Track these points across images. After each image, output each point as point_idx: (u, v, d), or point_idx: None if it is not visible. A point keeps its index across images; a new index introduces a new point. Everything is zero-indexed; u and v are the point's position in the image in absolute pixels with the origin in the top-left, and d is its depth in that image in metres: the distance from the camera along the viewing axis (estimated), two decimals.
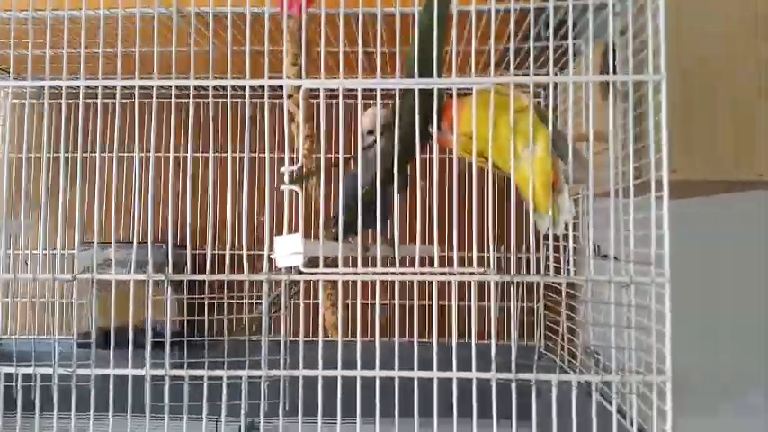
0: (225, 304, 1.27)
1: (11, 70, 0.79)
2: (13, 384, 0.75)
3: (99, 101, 0.73)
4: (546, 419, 0.72)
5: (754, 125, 0.80)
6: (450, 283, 0.69)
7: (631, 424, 0.74)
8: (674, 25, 0.73)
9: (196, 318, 1.27)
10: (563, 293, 1.07)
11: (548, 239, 1.17)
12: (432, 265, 0.67)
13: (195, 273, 0.71)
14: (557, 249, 1.15)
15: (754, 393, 0.84)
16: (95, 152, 1.19)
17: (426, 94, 0.69)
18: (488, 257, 0.79)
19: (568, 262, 0.99)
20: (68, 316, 1.39)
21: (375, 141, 0.75)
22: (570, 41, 0.70)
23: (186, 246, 0.71)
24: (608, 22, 0.75)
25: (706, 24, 0.81)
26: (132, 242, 0.73)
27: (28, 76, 0.80)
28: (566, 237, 0.77)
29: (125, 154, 1.16)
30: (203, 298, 1.29)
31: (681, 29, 0.78)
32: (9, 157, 1.40)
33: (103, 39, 0.72)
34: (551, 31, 0.69)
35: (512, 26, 0.71)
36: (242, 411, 0.68)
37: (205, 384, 0.68)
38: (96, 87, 0.73)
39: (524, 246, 0.86)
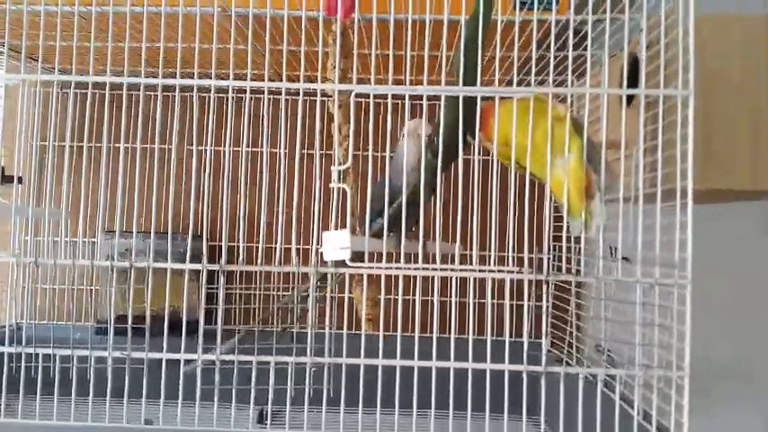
0: (252, 295, 1.30)
1: (39, 61, 0.81)
2: (50, 365, 0.78)
3: (124, 92, 0.74)
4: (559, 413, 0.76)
5: None
6: (484, 280, 0.73)
7: (645, 418, 0.79)
8: (695, 37, 0.77)
9: (229, 306, 1.31)
10: (572, 293, 1.12)
11: (560, 241, 1.22)
12: (471, 263, 0.71)
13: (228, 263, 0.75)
14: (570, 251, 1.19)
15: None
16: (128, 143, 1.21)
17: (468, 103, 0.73)
18: (515, 257, 0.83)
19: (577, 262, 1.04)
20: (91, 303, 1.42)
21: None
22: (606, 54, 0.74)
23: (202, 236, 0.73)
24: (636, 36, 0.79)
25: (720, 39, 0.85)
26: (167, 232, 0.75)
27: (55, 68, 0.82)
28: (578, 239, 0.82)
29: (165, 146, 1.19)
30: (241, 288, 1.32)
31: (700, 40, 0.83)
32: (34, 145, 1.42)
33: (146, 35, 0.74)
34: (589, 43, 0.73)
35: (552, 37, 0.75)
36: (288, 397, 0.71)
37: (254, 370, 0.71)
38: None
39: (545, 247, 0.90)
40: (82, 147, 1.27)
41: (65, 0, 0.82)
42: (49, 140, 1.37)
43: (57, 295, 1.42)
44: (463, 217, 0.72)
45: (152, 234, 0.72)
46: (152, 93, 1.13)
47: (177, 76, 0.72)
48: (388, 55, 0.71)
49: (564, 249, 0.80)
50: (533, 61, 0.70)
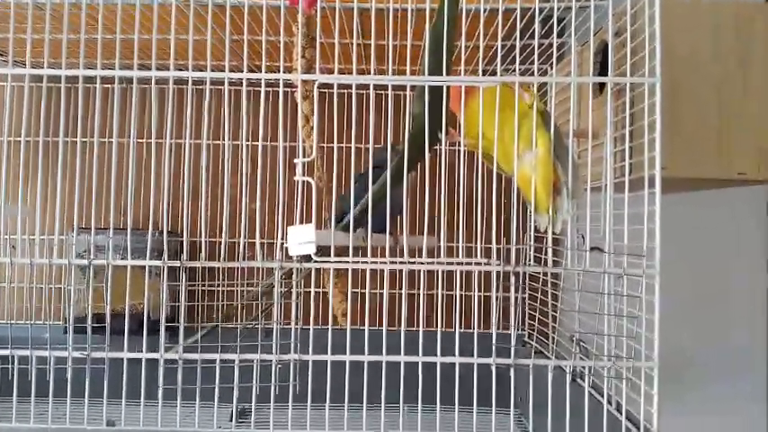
0: (216, 291, 1.28)
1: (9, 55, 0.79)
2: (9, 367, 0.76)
3: (98, 86, 0.73)
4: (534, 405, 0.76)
5: (736, 125, 0.84)
6: (453, 273, 0.72)
7: (617, 408, 0.78)
8: (663, 26, 0.76)
9: (196, 304, 1.28)
10: (548, 283, 1.11)
11: (533, 232, 1.22)
12: (438, 255, 0.70)
13: (189, 259, 0.73)
14: (539, 240, 1.19)
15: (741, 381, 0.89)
16: (93, 137, 1.18)
17: (437, 97, 0.71)
18: (483, 248, 0.82)
19: (554, 253, 1.03)
20: (59, 302, 1.39)
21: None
22: (573, 42, 0.73)
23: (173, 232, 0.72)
24: (604, 21, 0.79)
25: (690, 26, 0.84)
26: (126, 229, 0.73)
27: (27, 63, 0.80)
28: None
29: (125, 140, 1.16)
30: (203, 285, 1.30)
31: (668, 30, 0.82)
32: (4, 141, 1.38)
33: (120, 27, 0.72)
34: (555, 31, 0.72)
35: (518, 25, 0.74)
36: (253, 395, 0.70)
37: (217, 369, 0.70)
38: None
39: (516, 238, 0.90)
40: (55, 142, 1.25)
41: None
42: (22, 136, 1.33)
43: (16, 295, 1.39)
44: (431, 209, 0.71)
45: (110, 231, 0.70)
46: (109, 85, 1.11)
47: (134, 68, 0.70)
48: (351, 44, 0.69)
49: (531, 240, 0.80)
50: (498, 49, 0.69)
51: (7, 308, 1.40)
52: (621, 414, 0.75)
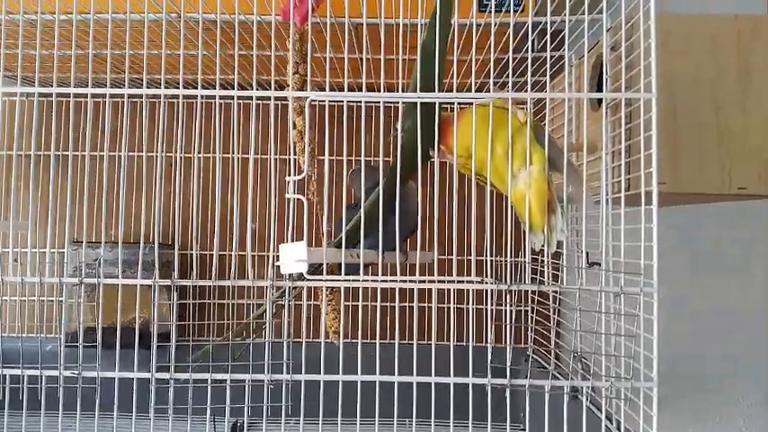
0: (213, 307, 1.27)
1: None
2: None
3: (89, 100, 0.72)
4: (533, 423, 0.75)
5: (736, 139, 0.83)
6: (449, 290, 0.71)
7: (617, 427, 0.77)
8: (661, 42, 0.75)
9: (190, 322, 1.28)
10: (550, 299, 1.10)
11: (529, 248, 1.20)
12: (431, 273, 0.69)
13: (182, 274, 0.73)
14: (538, 255, 1.18)
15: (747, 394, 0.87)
16: (84, 151, 1.18)
17: (427, 114, 0.70)
18: (477, 263, 0.81)
19: (557, 269, 1.02)
20: (55, 316, 1.38)
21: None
22: (567, 57, 0.72)
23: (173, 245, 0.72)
24: (600, 36, 0.78)
25: (689, 40, 0.83)
26: (118, 243, 0.73)
27: (17, 79, 0.80)
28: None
29: (117, 153, 1.17)
30: (200, 301, 1.29)
31: (666, 44, 0.81)
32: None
33: (116, 41, 0.72)
34: (548, 46, 0.71)
35: (511, 40, 0.73)
36: (245, 413, 0.69)
37: (209, 387, 0.69)
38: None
39: (512, 254, 0.88)
40: (48, 156, 1.25)
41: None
42: (14, 150, 1.34)
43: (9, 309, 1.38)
44: (437, 226, 0.70)
45: (102, 247, 0.70)
46: (100, 99, 1.11)
47: (126, 85, 0.70)
48: (344, 59, 0.69)
49: (527, 258, 0.79)
50: (491, 64, 0.68)
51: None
52: None
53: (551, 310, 1.22)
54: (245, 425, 0.94)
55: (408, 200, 0.83)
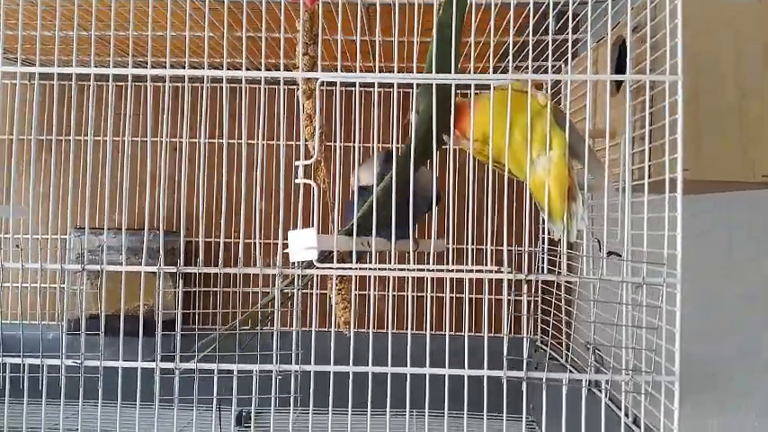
0: (219, 296, 1.24)
1: None
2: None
3: (92, 83, 0.70)
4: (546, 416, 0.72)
5: (760, 126, 0.80)
6: (463, 280, 0.69)
7: (635, 421, 0.75)
8: (684, 24, 0.72)
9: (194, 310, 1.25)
10: (563, 289, 1.08)
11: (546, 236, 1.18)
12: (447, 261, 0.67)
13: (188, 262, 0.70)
14: (555, 246, 1.15)
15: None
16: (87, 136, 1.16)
17: (443, 96, 0.67)
18: (492, 252, 0.78)
19: (569, 258, 1.00)
20: (60, 303, 1.37)
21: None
22: (589, 38, 0.69)
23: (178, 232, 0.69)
24: (621, 16, 0.75)
25: (712, 25, 0.81)
26: (121, 229, 0.71)
27: (18, 59, 0.77)
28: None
29: (121, 138, 1.14)
30: (205, 289, 1.27)
31: (689, 29, 0.78)
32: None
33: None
34: (570, 27, 0.68)
35: (531, 21, 0.70)
36: (252, 404, 0.67)
37: (215, 378, 0.67)
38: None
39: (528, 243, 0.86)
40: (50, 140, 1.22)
41: None
42: (15, 134, 1.31)
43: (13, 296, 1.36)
44: (441, 216, 0.67)
45: (105, 233, 0.67)
46: (102, 83, 1.08)
47: (129, 65, 0.67)
48: (355, 41, 0.66)
49: (545, 248, 0.76)
50: (510, 45, 0.65)
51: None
52: (640, 428, 0.71)
53: (563, 300, 1.19)
54: (252, 415, 0.92)
55: (422, 184, 0.80)
